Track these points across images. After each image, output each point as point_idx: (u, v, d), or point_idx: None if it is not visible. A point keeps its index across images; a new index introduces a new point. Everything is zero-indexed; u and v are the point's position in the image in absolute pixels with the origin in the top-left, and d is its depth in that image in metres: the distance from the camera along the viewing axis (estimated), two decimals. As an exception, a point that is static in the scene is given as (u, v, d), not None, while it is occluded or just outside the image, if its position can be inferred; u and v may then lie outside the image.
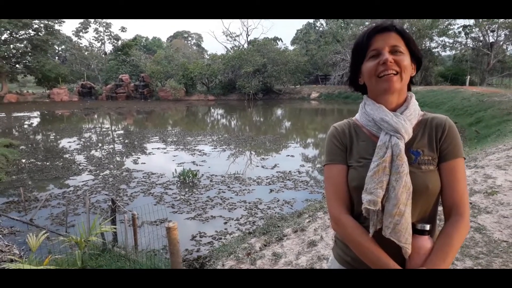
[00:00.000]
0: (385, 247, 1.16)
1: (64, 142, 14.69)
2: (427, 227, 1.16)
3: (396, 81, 1.18)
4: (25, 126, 20.03)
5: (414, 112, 1.24)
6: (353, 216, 1.25)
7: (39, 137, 16.62)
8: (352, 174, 1.25)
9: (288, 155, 11.96)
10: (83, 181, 8.91)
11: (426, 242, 1.15)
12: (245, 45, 41.92)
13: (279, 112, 28.36)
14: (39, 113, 27.01)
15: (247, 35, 43.55)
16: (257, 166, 10.50)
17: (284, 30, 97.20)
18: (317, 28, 45.41)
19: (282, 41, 46.54)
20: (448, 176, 1.19)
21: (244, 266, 3.63)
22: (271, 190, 8.04)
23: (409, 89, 1.30)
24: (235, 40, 43.96)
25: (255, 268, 3.52)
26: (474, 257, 3.10)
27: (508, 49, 32.34)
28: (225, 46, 42.77)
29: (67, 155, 12.15)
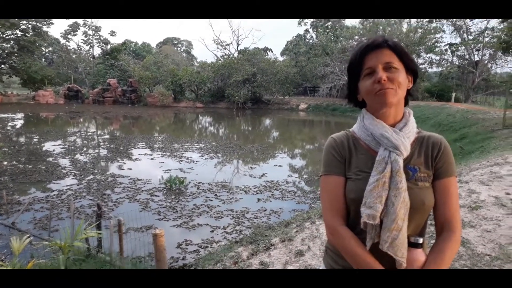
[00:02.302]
0: (380, 259, 1.18)
1: (48, 145, 14.44)
2: (420, 240, 1.19)
3: (392, 94, 1.20)
4: (8, 127, 19.65)
5: (412, 130, 1.27)
6: (348, 227, 1.26)
7: (22, 139, 16.30)
8: (350, 186, 1.27)
9: (276, 165, 11.98)
10: (67, 186, 8.75)
11: (419, 255, 1.18)
12: (235, 54, 42.11)
13: (267, 122, 28.47)
14: (23, 115, 26.56)
15: (238, 44, 43.54)
16: (245, 175, 10.49)
17: (274, 41, 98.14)
18: (307, 40, 45.94)
19: (272, 52, 46.83)
20: (442, 193, 1.23)
21: (231, 275, 3.60)
22: (259, 199, 8.02)
23: (406, 103, 1.33)
24: (225, 48, 44.03)
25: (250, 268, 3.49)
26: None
27: (493, 68, 33.24)
28: (215, 54, 42.73)
29: (50, 159, 11.95)
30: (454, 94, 28.57)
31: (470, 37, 31.39)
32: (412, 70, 1.28)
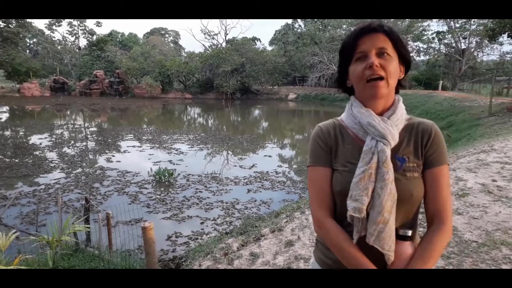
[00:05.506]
0: (368, 252, 1.14)
1: (35, 139, 14.21)
2: (409, 233, 1.15)
3: (383, 86, 1.15)
4: (-7, 121, 19.29)
5: (401, 117, 1.21)
6: (336, 220, 1.22)
7: (7, 133, 16.01)
8: (337, 178, 1.23)
9: (266, 155, 11.99)
10: (54, 179, 8.64)
11: (407, 248, 1.15)
12: (224, 44, 41.79)
13: (256, 112, 28.40)
14: (8, 108, 26.03)
15: (226, 34, 43.47)
16: (235, 166, 10.48)
17: (262, 30, 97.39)
18: (295, 29, 45.74)
19: (260, 41, 46.68)
20: (432, 183, 1.18)
21: (221, 266, 3.61)
22: (249, 190, 8.02)
23: (397, 92, 1.27)
24: (213, 38, 43.69)
25: (236, 268, 3.50)
26: (446, 256, 3.19)
27: (479, 56, 33.60)
28: (203, 44, 42.48)
29: (37, 152, 11.76)
30: (441, 82, 28.82)
31: (457, 25, 31.61)
32: (405, 60, 1.23)
